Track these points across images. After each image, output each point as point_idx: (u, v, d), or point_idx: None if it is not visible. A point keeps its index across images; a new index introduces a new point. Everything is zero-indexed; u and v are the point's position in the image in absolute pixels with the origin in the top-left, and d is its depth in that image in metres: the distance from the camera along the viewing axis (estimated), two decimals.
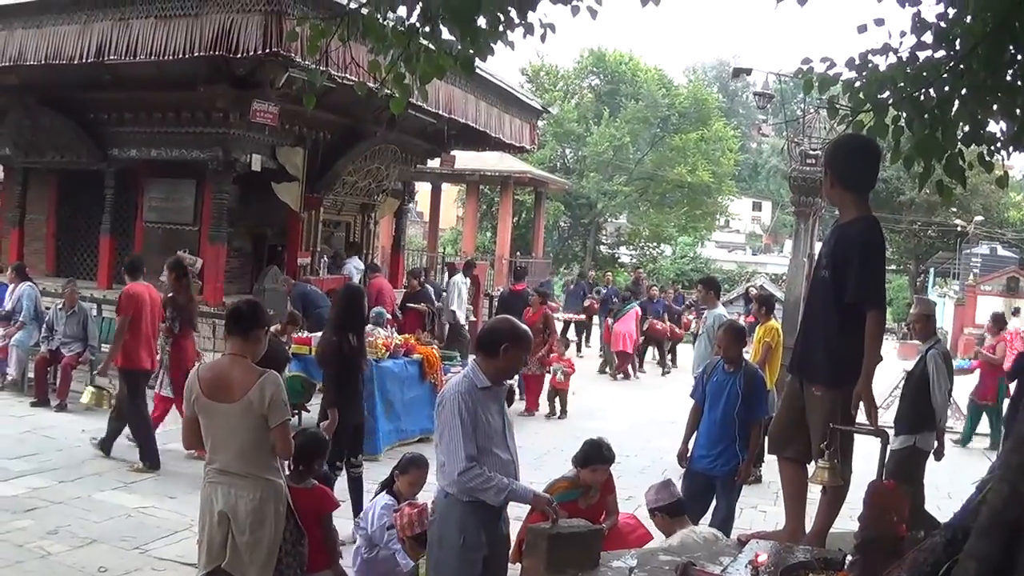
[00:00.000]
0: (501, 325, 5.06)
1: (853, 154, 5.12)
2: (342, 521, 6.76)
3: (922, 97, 5.14)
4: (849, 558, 4.26)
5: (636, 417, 15.20)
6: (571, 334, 23.66)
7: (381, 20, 5.22)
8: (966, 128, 5.30)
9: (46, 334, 12.59)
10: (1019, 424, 3.14)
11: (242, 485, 4.94)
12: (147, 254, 16.19)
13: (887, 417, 11.60)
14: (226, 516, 4.93)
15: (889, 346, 38.23)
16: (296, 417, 10.45)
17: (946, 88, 5.10)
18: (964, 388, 14.05)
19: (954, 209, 44.16)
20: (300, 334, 11.90)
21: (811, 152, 16.19)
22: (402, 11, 5.30)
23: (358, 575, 6.58)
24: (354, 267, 17.48)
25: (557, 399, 14.97)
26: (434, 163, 22.32)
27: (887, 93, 5.23)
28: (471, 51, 5.31)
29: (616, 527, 6.64)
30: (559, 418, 14.74)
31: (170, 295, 10.49)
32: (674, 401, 16.29)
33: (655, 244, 51.90)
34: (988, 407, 14.86)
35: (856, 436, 5.14)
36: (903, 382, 8.87)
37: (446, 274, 21.90)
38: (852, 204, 5.05)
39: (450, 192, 41.55)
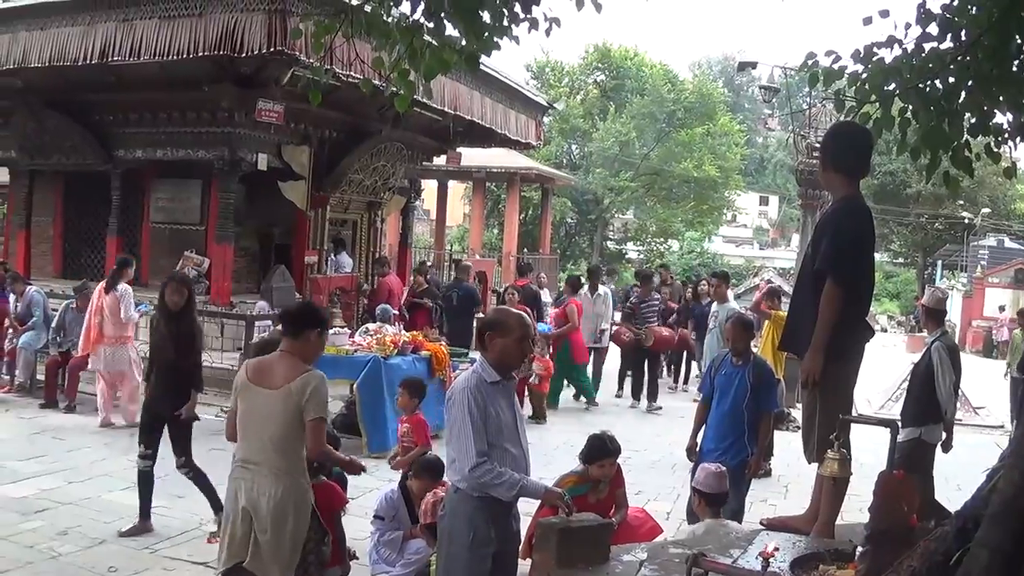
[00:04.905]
0: (488, 315, 5.11)
1: (845, 139, 5.31)
2: None
3: (928, 88, 5.16)
4: (860, 549, 4.25)
5: (645, 412, 15.14)
6: None
7: (385, 16, 5.23)
8: (973, 119, 5.30)
9: (56, 336, 12.58)
10: None
11: (265, 482, 4.89)
12: (154, 254, 16.32)
13: (895, 410, 11.62)
14: (248, 512, 4.89)
15: (898, 339, 38.27)
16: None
17: (952, 79, 5.11)
18: (969, 379, 13.94)
19: (961, 201, 44.16)
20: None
21: (817, 145, 16.15)
22: (406, 7, 5.31)
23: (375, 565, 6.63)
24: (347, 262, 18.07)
25: (529, 399, 13.29)
26: (440, 160, 22.35)
27: (893, 85, 5.25)
28: (475, 47, 5.31)
29: (626, 521, 6.63)
30: (537, 423, 12.92)
31: None
32: (684, 396, 16.31)
33: (662, 239, 51.85)
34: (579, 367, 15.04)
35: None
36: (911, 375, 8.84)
37: (451, 271, 21.85)
38: (841, 186, 5.22)
39: (456, 189, 41.58)
